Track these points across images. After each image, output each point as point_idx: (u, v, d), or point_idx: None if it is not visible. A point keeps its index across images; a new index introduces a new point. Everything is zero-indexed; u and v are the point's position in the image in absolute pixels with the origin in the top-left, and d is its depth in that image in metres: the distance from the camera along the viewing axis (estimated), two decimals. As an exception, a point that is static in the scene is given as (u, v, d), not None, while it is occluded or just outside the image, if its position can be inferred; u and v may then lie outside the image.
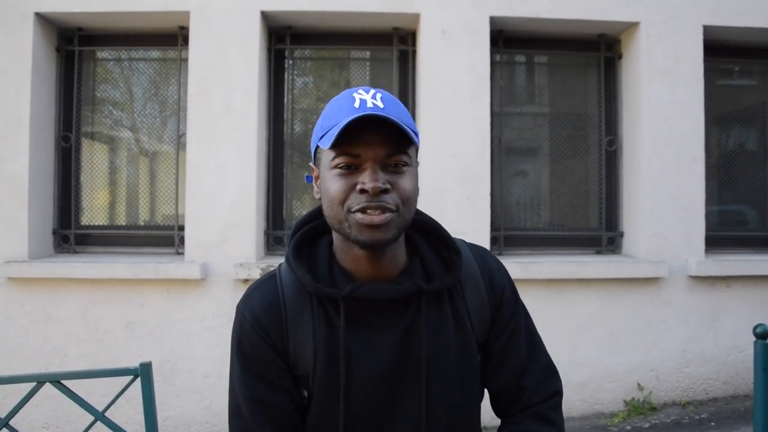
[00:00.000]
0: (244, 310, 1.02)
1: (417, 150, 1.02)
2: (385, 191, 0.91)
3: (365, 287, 0.97)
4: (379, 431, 0.99)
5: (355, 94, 0.95)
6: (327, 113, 0.97)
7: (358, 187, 0.91)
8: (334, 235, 1.02)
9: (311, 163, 1.04)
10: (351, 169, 0.92)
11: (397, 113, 0.94)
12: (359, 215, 0.91)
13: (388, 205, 0.91)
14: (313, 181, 1.04)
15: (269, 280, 1.04)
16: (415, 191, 0.96)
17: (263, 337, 0.98)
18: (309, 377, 0.99)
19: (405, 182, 0.93)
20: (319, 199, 1.00)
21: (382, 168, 0.92)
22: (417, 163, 1.01)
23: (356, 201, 0.91)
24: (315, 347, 0.98)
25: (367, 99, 0.93)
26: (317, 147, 0.99)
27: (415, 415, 0.98)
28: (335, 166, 0.93)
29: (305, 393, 1.00)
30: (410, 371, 0.99)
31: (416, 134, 0.98)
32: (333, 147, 0.91)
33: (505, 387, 1.10)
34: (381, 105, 0.93)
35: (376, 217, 0.90)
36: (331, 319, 0.98)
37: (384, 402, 0.98)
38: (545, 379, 1.11)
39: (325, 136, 0.94)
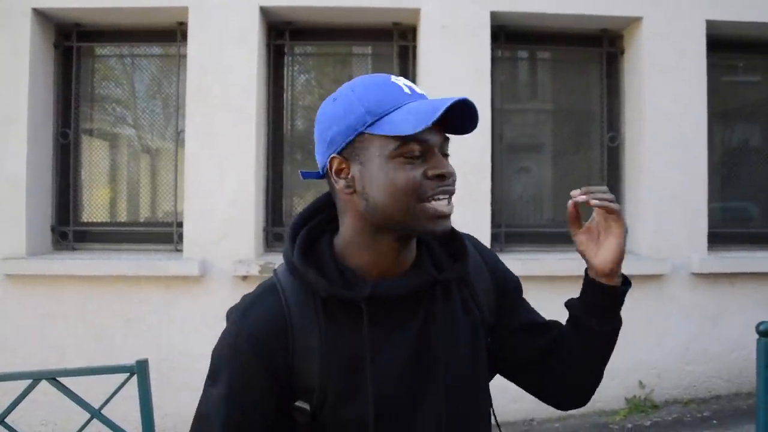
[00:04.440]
0: (240, 326, 0.93)
1: None
2: (450, 176, 0.92)
3: (384, 285, 0.93)
4: (404, 426, 0.95)
5: (393, 80, 0.93)
6: (373, 98, 0.90)
7: (431, 173, 0.89)
8: (353, 230, 0.95)
9: (335, 154, 0.93)
10: (417, 157, 0.90)
11: None
12: (431, 206, 0.90)
13: (455, 189, 0.93)
14: (333, 175, 0.94)
15: (269, 291, 0.96)
16: None
17: (264, 364, 0.91)
18: (315, 389, 0.92)
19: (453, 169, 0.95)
20: (351, 192, 0.93)
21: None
22: None
23: (430, 187, 0.90)
24: (323, 356, 0.92)
25: (411, 85, 0.94)
26: (360, 134, 0.90)
27: (436, 407, 0.96)
28: (402, 155, 0.88)
29: (306, 406, 0.93)
30: (428, 364, 0.97)
31: None
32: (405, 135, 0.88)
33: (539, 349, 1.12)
34: (420, 91, 0.94)
35: (447, 208, 0.92)
36: (342, 322, 0.93)
37: (407, 398, 0.96)
38: None
39: (391, 123, 0.88)
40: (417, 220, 0.90)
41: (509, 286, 1.12)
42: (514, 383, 1.17)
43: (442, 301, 0.98)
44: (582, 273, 1.07)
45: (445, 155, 0.93)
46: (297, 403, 0.93)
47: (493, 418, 1.08)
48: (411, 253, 0.99)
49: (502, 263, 1.15)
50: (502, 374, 1.15)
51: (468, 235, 1.13)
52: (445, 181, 0.91)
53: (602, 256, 1.01)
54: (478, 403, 1.03)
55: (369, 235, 0.94)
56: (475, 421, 1.03)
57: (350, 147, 0.92)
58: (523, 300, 1.16)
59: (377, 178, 0.90)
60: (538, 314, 1.16)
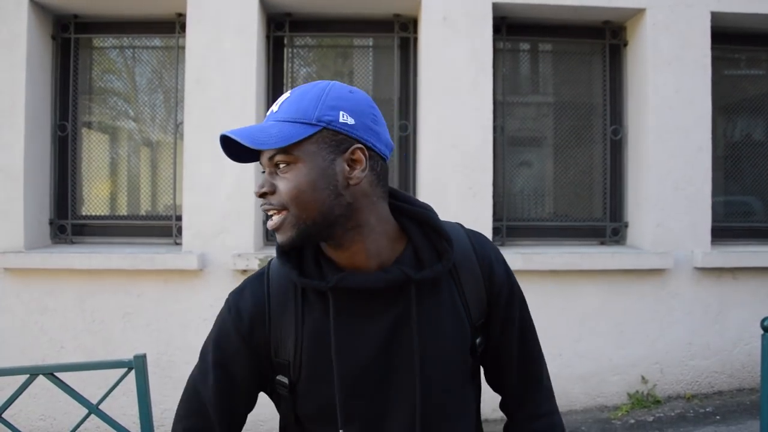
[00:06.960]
0: (231, 306, 1.05)
1: (329, 135, 0.93)
2: (268, 194, 0.95)
3: (351, 277, 0.97)
4: (374, 418, 1.00)
5: (284, 96, 0.99)
6: None
7: None
8: None
9: None
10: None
11: (288, 111, 0.94)
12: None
13: (272, 206, 0.94)
14: None
15: (258, 278, 1.06)
16: (298, 190, 0.92)
17: (246, 340, 1.02)
18: (290, 365, 1.01)
19: (282, 184, 0.93)
20: None
21: (275, 169, 0.95)
22: (324, 150, 0.93)
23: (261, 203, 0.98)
24: (296, 339, 0.99)
25: (279, 101, 0.96)
26: None
27: (410, 405, 0.99)
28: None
29: (285, 380, 1.02)
30: (402, 361, 0.99)
31: (322, 123, 0.92)
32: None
33: (508, 386, 1.14)
34: (275, 109, 0.96)
35: (270, 222, 0.96)
36: (317, 310, 0.99)
37: (375, 387, 0.99)
38: (551, 397, 1.16)
39: None
40: None
41: (500, 299, 1.08)
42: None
43: (423, 299, 0.99)
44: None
45: (277, 165, 0.94)
46: (278, 377, 1.03)
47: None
48: (372, 251, 0.99)
49: (502, 272, 1.09)
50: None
51: (476, 233, 1.13)
52: (262, 199, 0.96)
53: None
54: (462, 403, 1.05)
55: None
56: (456, 416, 1.04)
57: None
58: (510, 322, 1.09)
59: None
60: (516, 354, 1.11)
